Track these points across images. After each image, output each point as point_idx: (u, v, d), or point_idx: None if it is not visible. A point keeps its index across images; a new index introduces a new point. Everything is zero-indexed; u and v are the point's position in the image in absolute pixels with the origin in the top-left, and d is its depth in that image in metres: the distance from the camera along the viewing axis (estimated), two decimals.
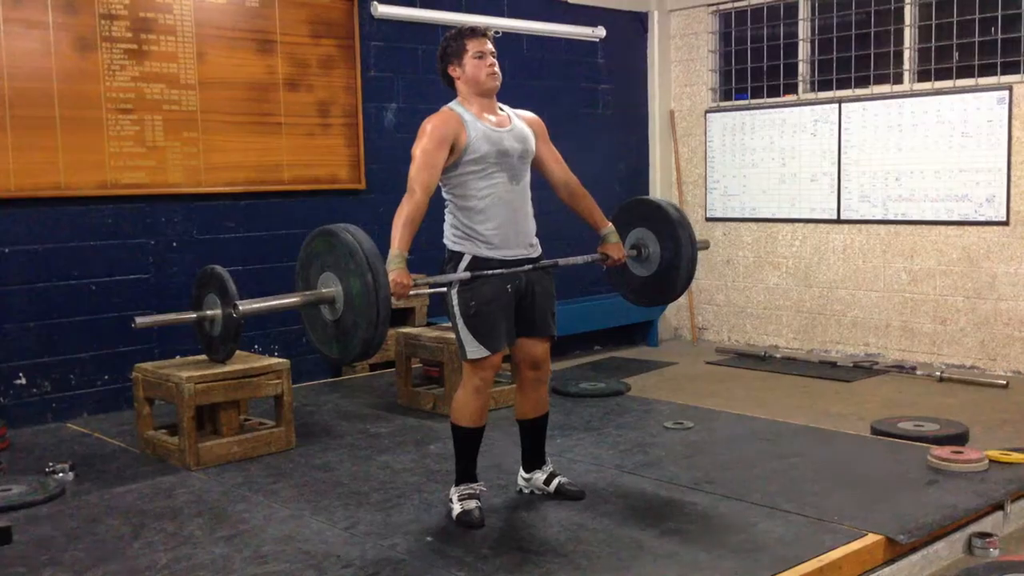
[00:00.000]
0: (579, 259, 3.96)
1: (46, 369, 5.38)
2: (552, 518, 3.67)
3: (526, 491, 3.93)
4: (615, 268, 4.06)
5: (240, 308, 3.35)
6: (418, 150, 3.50)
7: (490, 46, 3.65)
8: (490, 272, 3.56)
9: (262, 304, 3.47)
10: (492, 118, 3.64)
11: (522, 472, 3.95)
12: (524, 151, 3.67)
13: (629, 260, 4.08)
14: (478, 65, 3.60)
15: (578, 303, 7.41)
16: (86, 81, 5.39)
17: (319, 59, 6.28)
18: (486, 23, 7.02)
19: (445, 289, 3.64)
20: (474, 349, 3.58)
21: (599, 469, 4.27)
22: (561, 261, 3.83)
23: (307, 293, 3.32)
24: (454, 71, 3.65)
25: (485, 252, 3.58)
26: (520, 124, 3.72)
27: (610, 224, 3.97)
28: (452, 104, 3.66)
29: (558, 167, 3.85)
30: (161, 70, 5.64)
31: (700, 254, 4.17)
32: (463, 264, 3.59)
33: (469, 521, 3.58)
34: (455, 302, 3.59)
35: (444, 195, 3.66)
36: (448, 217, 3.67)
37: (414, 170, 3.48)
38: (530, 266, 3.66)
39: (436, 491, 3.96)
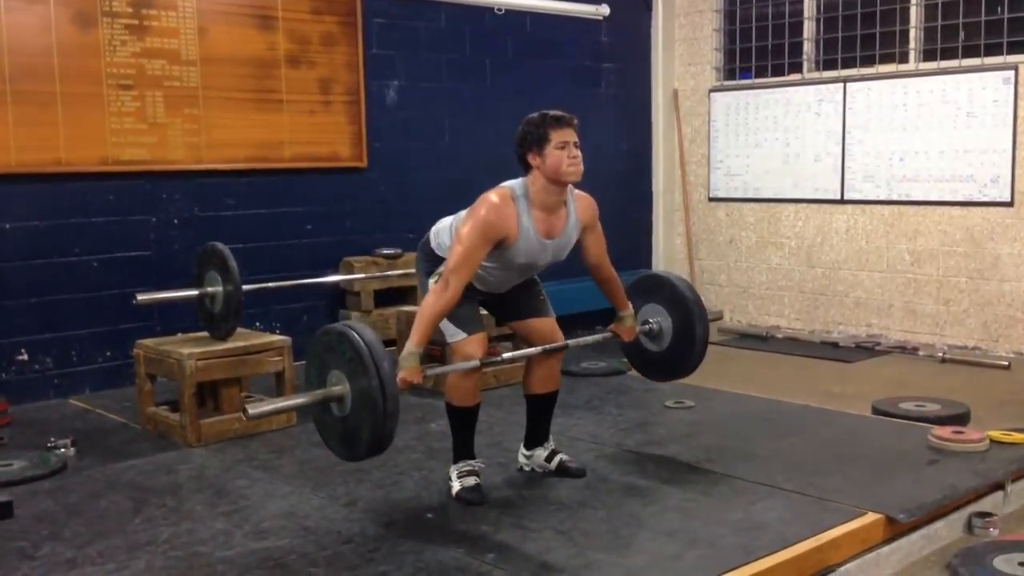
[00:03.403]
0: (590, 339, 3.98)
1: (48, 345, 5.39)
2: (552, 495, 3.67)
3: (527, 468, 3.93)
4: (628, 344, 4.06)
5: (250, 412, 3.19)
6: (465, 234, 3.38)
7: (574, 135, 3.48)
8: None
9: (273, 406, 3.38)
10: (549, 220, 3.53)
11: (523, 449, 3.95)
12: (552, 262, 3.65)
13: (642, 336, 4.04)
14: (560, 156, 3.43)
15: (580, 282, 7.34)
16: (87, 57, 5.36)
17: (321, 36, 6.24)
18: (489, 1, 7.01)
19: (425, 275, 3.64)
20: (453, 333, 3.60)
21: (600, 447, 4.28)
22: (571, 343, 3.81)
23: (315, 392, 3.23)
24: (533, 159, 3.46)
25: None
26: (572, 227, 3.62)
27: (630, 307, 3.94)
28: (517, 190, 3.49)
29: (597, 251, 3.79)
30: (162, 46, 5.61)
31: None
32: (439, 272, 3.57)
33: (469, 498, 3.58)
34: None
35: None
36: (445, 239, 3.62)
37: (453, 261, 3.37)
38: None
39: (437, 469, 3.96)
